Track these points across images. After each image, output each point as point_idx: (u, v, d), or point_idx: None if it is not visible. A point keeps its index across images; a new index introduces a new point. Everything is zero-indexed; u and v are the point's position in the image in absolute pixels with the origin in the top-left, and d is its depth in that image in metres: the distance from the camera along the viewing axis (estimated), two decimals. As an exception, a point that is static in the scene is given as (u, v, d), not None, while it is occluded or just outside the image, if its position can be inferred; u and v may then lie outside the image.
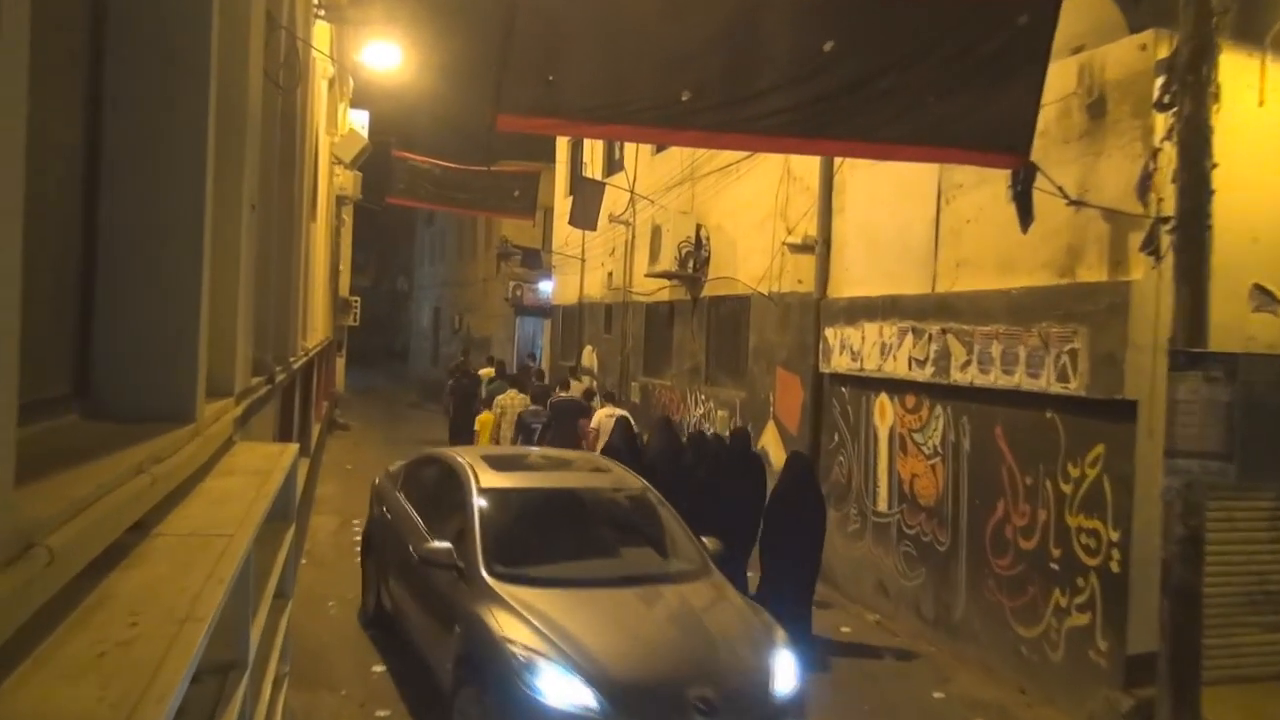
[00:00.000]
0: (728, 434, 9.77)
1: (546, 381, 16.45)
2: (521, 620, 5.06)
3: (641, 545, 6.32)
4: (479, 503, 6.07)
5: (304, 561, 8.79)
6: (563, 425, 12.27)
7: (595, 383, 17.03)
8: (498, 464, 6.81)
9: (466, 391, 17.20)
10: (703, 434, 9.74)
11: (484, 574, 5.45)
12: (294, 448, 3.60)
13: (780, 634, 5.36)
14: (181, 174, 2.84)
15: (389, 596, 6.98)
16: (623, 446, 8.97)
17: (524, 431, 12.96)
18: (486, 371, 17.64)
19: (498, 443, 13.42)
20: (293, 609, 4.13)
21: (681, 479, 7.92)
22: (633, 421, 11.14)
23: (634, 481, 6.81)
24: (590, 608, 5.24)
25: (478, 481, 6.30)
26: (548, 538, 6.06)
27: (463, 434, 16.92)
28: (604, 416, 12.20)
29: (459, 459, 6.82)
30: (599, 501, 6.59)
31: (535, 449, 9.36)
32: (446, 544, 5.76)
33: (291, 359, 7.15)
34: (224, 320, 3.57)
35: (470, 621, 5.23)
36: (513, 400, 13.95)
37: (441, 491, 6.74)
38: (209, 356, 3.08)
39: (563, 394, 13.77)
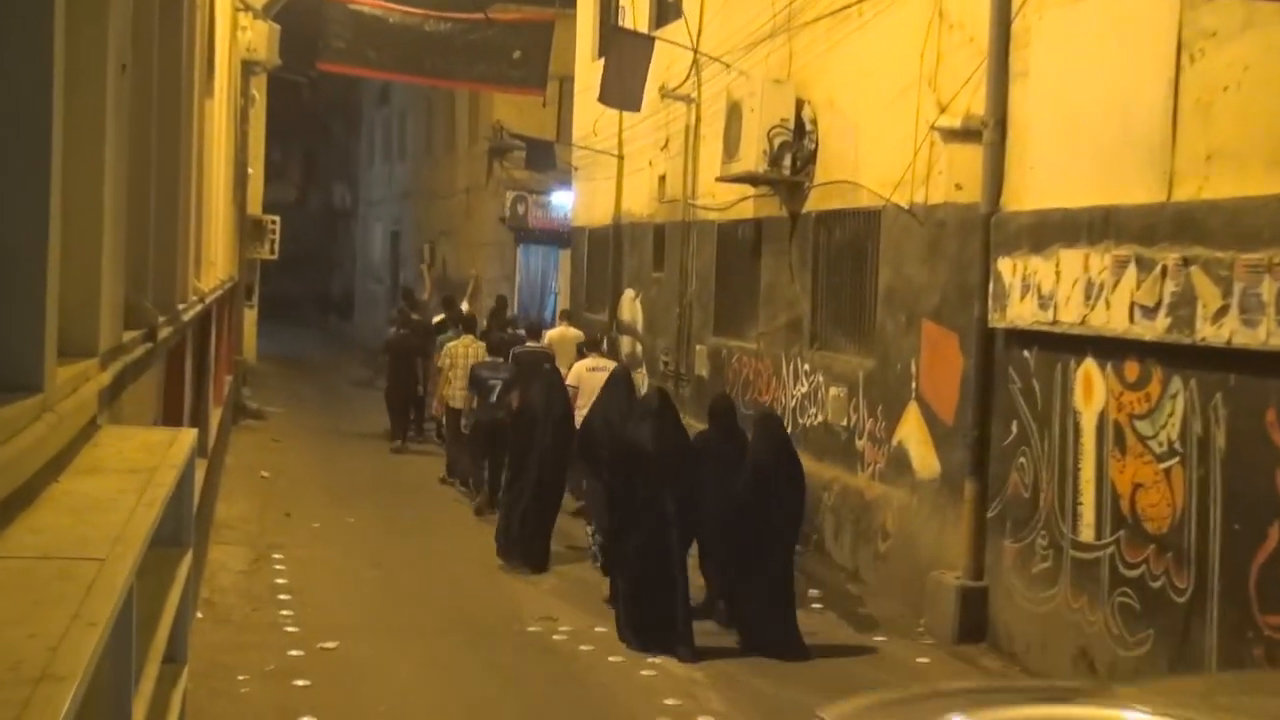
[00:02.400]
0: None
1: (517, 331, 17.06)
2: None
3: None
4: None
5: (199, 616, 8.96)
6: (529, 383, 12.88)
7: (639, 345, 17.14)
8: None
9: (407, 348, 17.75)
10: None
11: None
12: (190, 434, 3.67)
13: None
14: (16, 17, 2.88)
15: None
16: (606, 422, 10.26)
17: (479, 389, 13.79)
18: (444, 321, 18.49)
19: (437, 400, 15.56)
20: (188, 684, 4.21)
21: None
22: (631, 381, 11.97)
23: None
24: None
25: None
26: None
27: (404, 411, 17.77)
28: (585, 371, 13.00)
29: None
30: None
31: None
32: None
33: (181, 306, 7.26)
34: (82, 244, 3.62)
35: None
36: (465, 348, 15.08)
37: None
38: (61, 298, 3.14)
39: (531, 344, 14.88)
